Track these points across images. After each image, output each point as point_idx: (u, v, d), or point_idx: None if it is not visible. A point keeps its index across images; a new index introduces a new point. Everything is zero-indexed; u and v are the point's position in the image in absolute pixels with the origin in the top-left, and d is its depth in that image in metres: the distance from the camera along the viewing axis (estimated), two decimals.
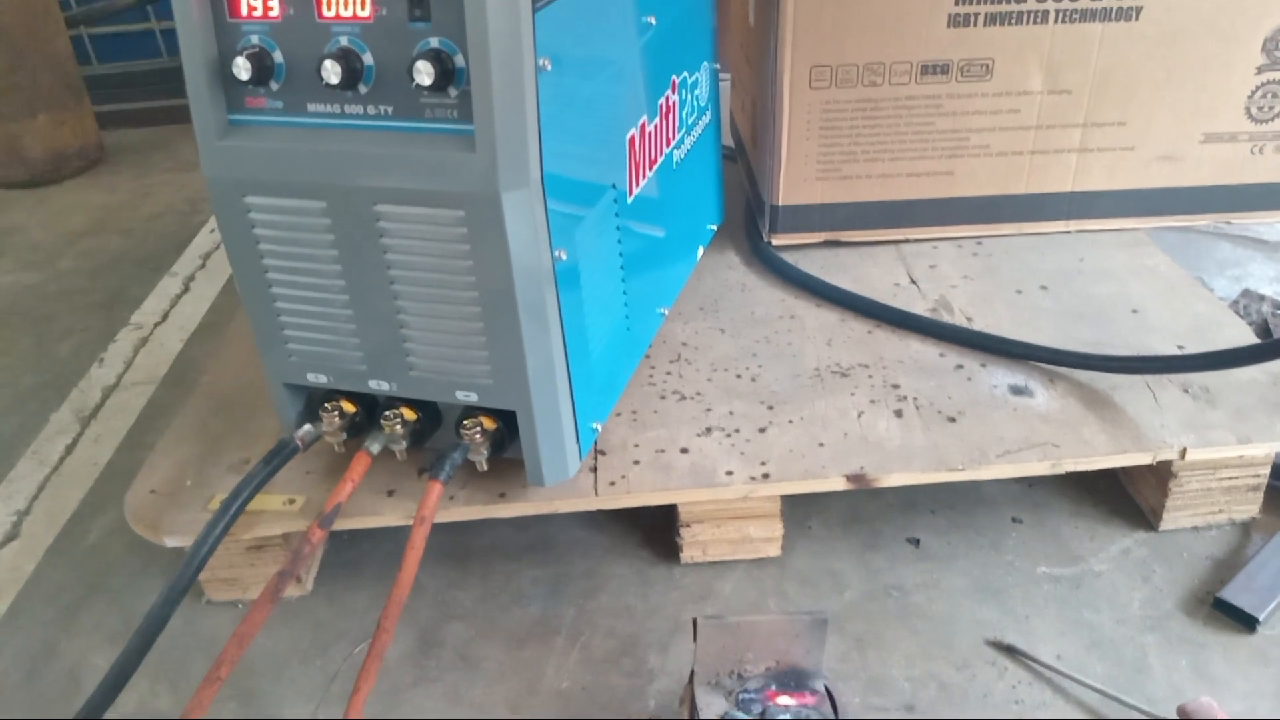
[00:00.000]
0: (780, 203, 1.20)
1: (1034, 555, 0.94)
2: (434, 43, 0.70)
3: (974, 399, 0.95)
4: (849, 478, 0.87)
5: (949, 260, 1.19)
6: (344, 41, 0.72)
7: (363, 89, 0.73)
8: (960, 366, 1.00)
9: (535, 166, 0.72)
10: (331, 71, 0.70)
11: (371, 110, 0.73)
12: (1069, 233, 1.22)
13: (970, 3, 1.08)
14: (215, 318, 1.46)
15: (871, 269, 1.18)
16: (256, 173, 0.76)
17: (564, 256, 0.77)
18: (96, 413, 1.27)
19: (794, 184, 1.19)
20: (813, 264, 1.19)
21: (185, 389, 1.28)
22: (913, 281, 1.15)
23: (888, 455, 0.89)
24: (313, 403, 0.89)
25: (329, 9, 0.71)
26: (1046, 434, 0.91)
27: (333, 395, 0.87)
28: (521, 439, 0.82)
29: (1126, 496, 0.98)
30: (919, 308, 1.09)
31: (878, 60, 1.11)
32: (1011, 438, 0.91)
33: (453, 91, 0.71)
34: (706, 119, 1.14)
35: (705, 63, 1.11)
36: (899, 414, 0.94)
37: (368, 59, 0.72)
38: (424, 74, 0.69)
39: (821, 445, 0.91)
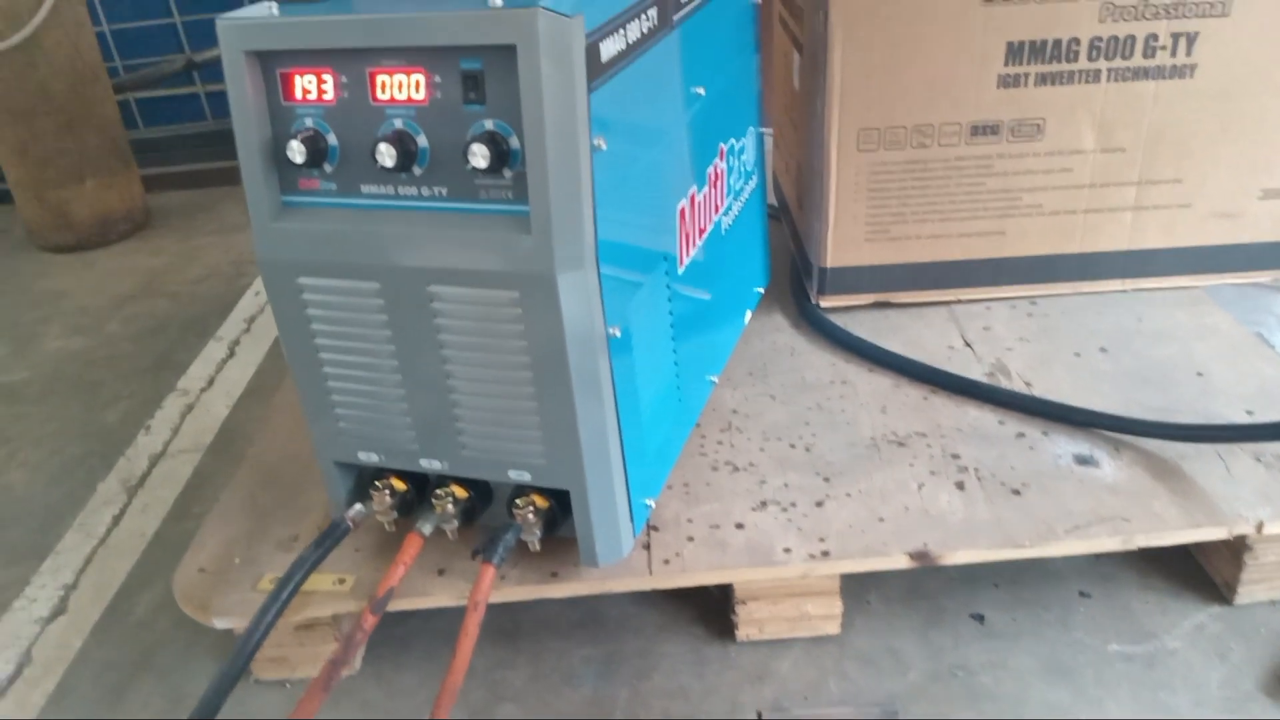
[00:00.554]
0: (828, 265, 1.18)
1: (1104, 632, 0.90)
2: (489, 125, 0.70)
3: (1038, 469, 0.93)
4: (912, 555, 0.85)
5: (1003, 321, 1.16)
6: (398, 124, 0.72)
7: (417, 170, 0.72)
8: (1022, 435, 0.98)
9: (590, 246, 0.71)
10: (386, 155, 0.70)
11: (426, 191, 0.73)
12: (1125, 291, 1.20)
13: (1020, 63, 1.07)
14: (260, 382, 1.46)
15: (923, 331, 1.16)
16: (310, 254, 0.76)
17: (618, 333, 0.76)
18: (143, 482, 1.27)
19: (842, 246, 1.17)
20: (863, 327, 1.17)
21: (231, 457, 1.28)
22: (967, 344, 1.13)
23: (951, 531, 0.87)
24: (363, 480, 0.88)
25: (383, 92, 0.71)
26: (1115, 507, 0.88)
27: (383, 473, 0.85)
28: (575, 519, 0.80)
29: (1198, 568, 0.94)
30: (975, 372, 1.07)
31: (926, 122, 1.09)
32: (1079, 511, 0.88)
33: (507, 173, 0.70)
34: (753, 183, 1.13)
35: (751, 127, 1.10)
36: (961, 486, 0.91)
37: (422, 141, 0.71)
38: (479, 157, 0.68)
39: (882, 520, 0.88)
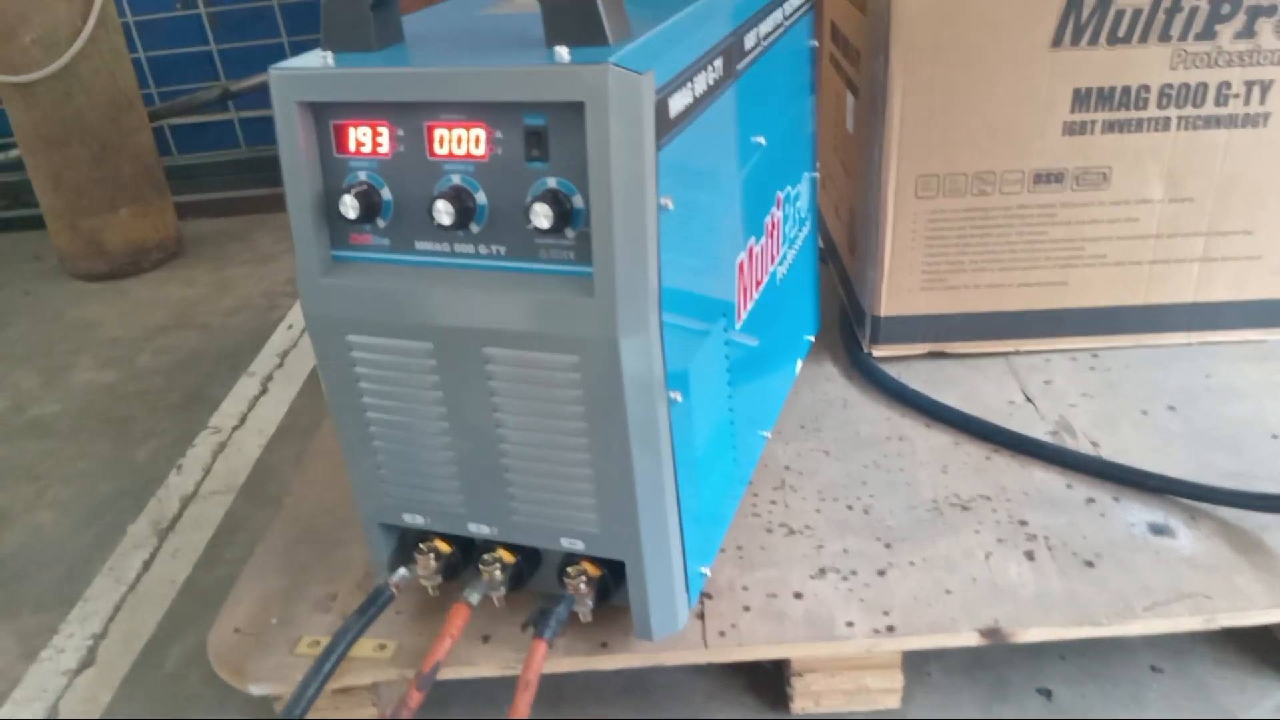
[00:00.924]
0: (882, 314, 1.15)
1: (1179, 710, 0.86)
2: (551, 183, 0.66)
3: (1111, 539, 0.88)
4: (983, 633, 0.80)
5: (1064, 375, 1.12)
6: (456, 180, 0.69)
7: (474, 228, 0.69)
8: (1092, 500, 0.93)
9: (654, 309, 0.67)
10: (444, 213, 0.67)
11: (483, 250, 0.70)
12: (1190, 345, 1.15)
13: (1087, 110, 1.03)
14: (293, 421, 1.43)
15: (981, 384, 1.12)
16: (361, 312, 0.73)
17: (678, 398, 0.72)
18: (174, 525, 1.24)
19: (897, 294, 1.13)
20: (917, 377, 1.13)
21: (264, 500, 1.25)
22: (1028, 399, 1.08)
23: (1022, 606, 0.82)
24: (406, 540, 0.84)
25: (441, 147, 0.68)
26: (1195, 583, 0.83)
27: (427, 534, 0.82)
28: (630, 591, 0.77)
29: (1276, 644, 0.90)
30: (1039, 430, 1.03)
31: (988, 169, 1.06)
32: (1157, 586, 0.83)
33: (570, 233, 0.67)
34: (806, 229, 1.09)
35: (806, 173, 1.07)
36: (1030, 556, 0.87)
37: (480, 198, 0.68)
38: (542, 217, 0.65)
39: (949, 592, 0.84)
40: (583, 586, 0.77)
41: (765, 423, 1.00)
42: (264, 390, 1.53)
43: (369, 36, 0.69)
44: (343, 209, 0.70)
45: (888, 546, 0.90)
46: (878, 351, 1.17)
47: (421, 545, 0.82)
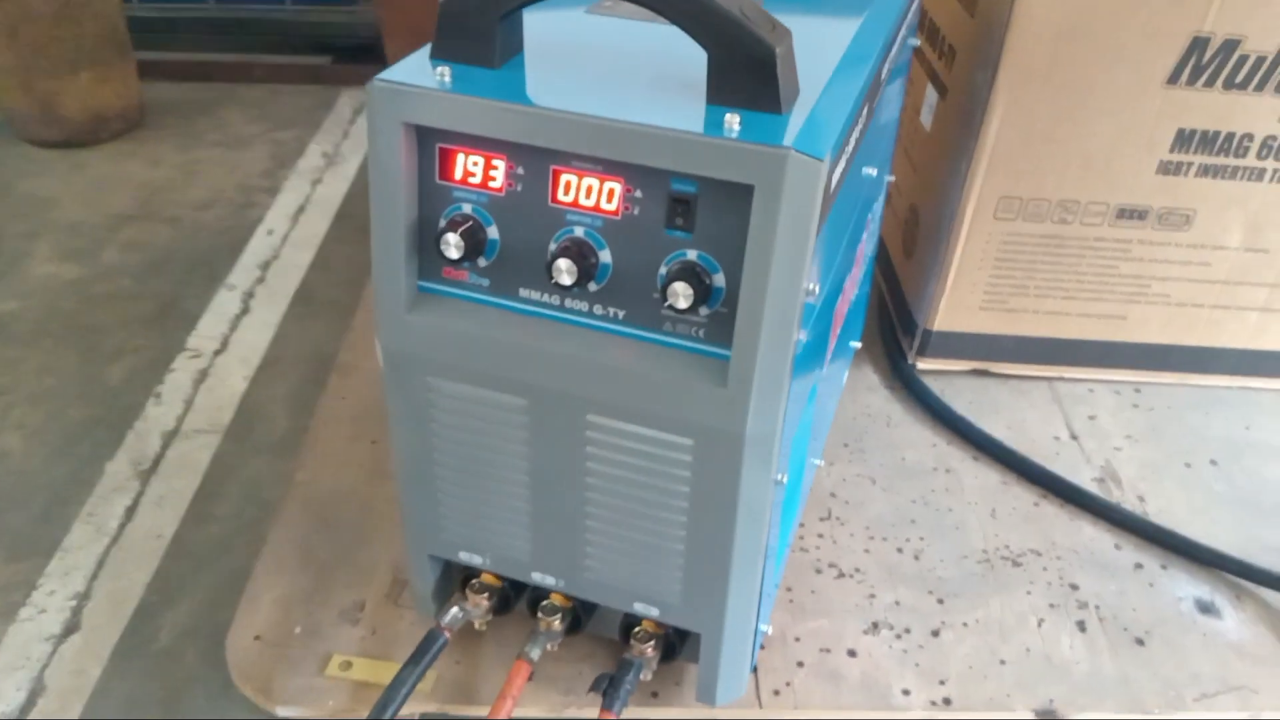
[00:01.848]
0: (935, 328, 1.10)
1: None
2: (691, 256, 0.59)
3: (1160, 615, 0.88)
4: (1038, 713, 0.80)
5: (1108, 411, 1.10)
6: (579, 233, 0.61)
7: (592, 286, 0.62)
8: (1140, 566, 0.92)
9: (783, 404, 0.62)
10: (565, 272, 0.59)
11: (599, 310, 0.63)
12: (1230, 388, 1.14)
13: (1186, 152, 0.98)
14: (280, 350, 1.34)
15: (1027, 413, 1.09)
16: (449, 355, 0.65)
17: (784, 479, 0.68)
18: (156, 466, 1.16)
19: (954, 311, 1.09)
20: (961, 397, 1.10)
21: (254, 445, 1.18)
22: (1073, 437, 1.06)
23: (1076, 686, 0.82)
24: (451, 569, 0.79)
25: (566, 194, 0.60)
26: (1241, 672, 0.84)
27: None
28: (701, 657, 0.73)
29: None
30: (1084, 474, 1.01)
31: (1073, 198, 1.00)
32: (1206, 675, 0.83)
33: (703, 310, 0.60)
34: (875, 240, 1.03)
35: (887, 178, 1.00)
36: (1082, 627, 0.86)
37: (605, 256, 0.61)
38: (681, 297, 0.58)
39: (1003, 663, 0.83)
40: (650, 651, 0.73)
41: (818, 451, 0.96)
42: (245, 309, 1.43)
43: (492, 52, 0.60)
44: (444, 247, 0.61)
45: (940, 602, 0.88)
46: (922, 364, 1.13)
47: (474, 582, 0.77)
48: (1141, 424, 1.09)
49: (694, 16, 0.55)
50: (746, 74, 0.56)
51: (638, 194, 0.59)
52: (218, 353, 1.33)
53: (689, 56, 0.62)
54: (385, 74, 0.59)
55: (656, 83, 0.60)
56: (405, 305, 0.65)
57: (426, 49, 0.63)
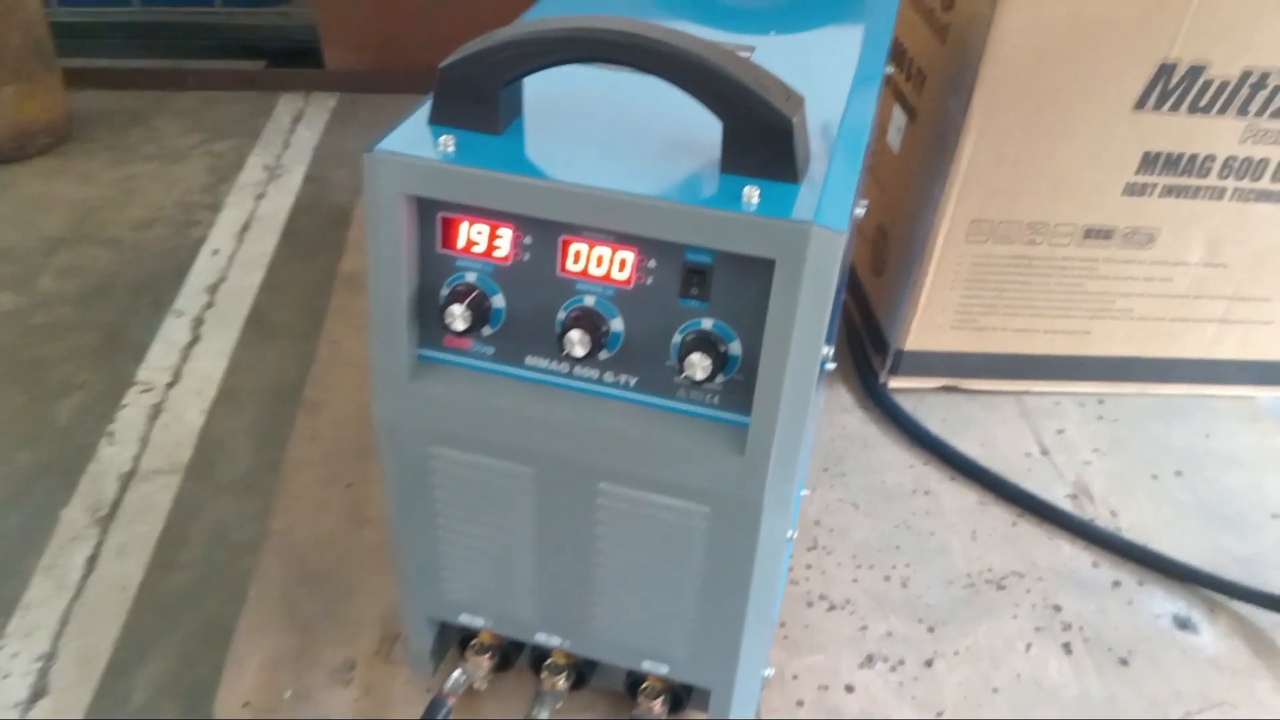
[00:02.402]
0: (906, 348, 1.11)
1: None
2: (706, 325, 0.58)
3: (1141, 632, 0.90)
4: None
5: (1075, 423, 1.12)
6: (589, 302, 0.59)
7: (603, 354, 0.61)
8: (1118, 583, 0.95)
9: (800, 469, 0.61)
10: (578, 343, 0.58)
11: (609, 377, 0.61)
12: (1188, 396, 1.17)
13: (1151, 174, 1.00)
14: (236, 380, 1.30)
15: (997, 430, 1.11)
16: (452, 425, 0.64)
17: (794, 535, 0.67)
18: (115, 512, 1.12)
19: (925, 330, 1.10)
20: (933, 414, 1.11)
21: (215, 486, 1.14)
22: (1044, 452, 1.08)
23: (1066, 709, 0.83)
24: (448, 630, 0.78)
25: (575, 263, 0.59)
26: (1220, 688, 0.86)
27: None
28: (710, 712, 0.73)
29: None
30: (1058, 490, 1.03)
31: (1043, 220, 1.02)
32: (1188, 692, 0.86)
33: (719, 378, 0.60)
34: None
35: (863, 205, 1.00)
36: (1068, 649, 0.88)
37: (616, 325, 0.60)
38: (699, 369, 0.57)
39: (995, 691, 0.84)
40: (659, 708, 0.73)
41: (804, 480, 0.96)
42: (195, 336, 1.38)
43: (496, 118, 0.58)
44: (449, 319, 0.60)
45: (931, 630, 0.89)
46: (894, 383, 1.14)
47: (475, 643, 0.75)
48: (1107, 436, 1.12)
49: (710, 89, 0.54)
50: (762, 145, 0.55)
51: (651, 264, 0.58)
52: (170, 385, 1.28)
53: (697, 118, 0.61)
54: (384, 143, 0.57)
55: (667, 148, 0.59)
56: (406, 374, 0.63)
57: (422, 112, 0.60)
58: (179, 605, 0.98)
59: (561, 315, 0.60)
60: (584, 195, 0.55)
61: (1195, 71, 0.94)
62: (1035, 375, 1.15)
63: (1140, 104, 0.96)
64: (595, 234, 0.58)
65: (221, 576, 1.01)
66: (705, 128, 0.59)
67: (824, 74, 0.71)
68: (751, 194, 0.54)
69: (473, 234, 0.60)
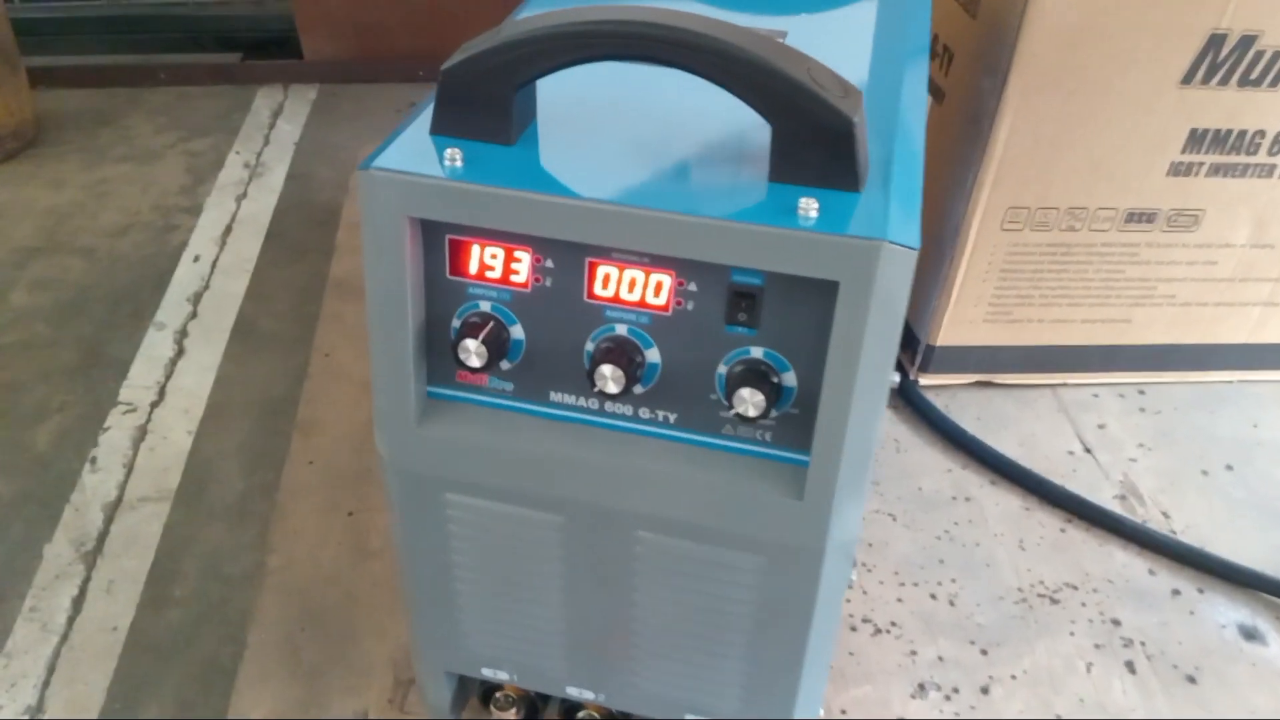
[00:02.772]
0: (938, 343, 1.05)
1: None
2: (756, 354, 0.52)
3: (1205, 645, 0.84)
4: None
5: (1116, 417, 1.06)
6: (621, 331, 0.53)
7: (638, 388, 0.54)
8: (1177, 592, 0.89)
9: (862, 508, 0.55)
10: (611, 379, 0.51)
11: (646, 414, 0.55)
12: (1230, 383, 1.11)
13: (1198, 152, 0.93)
14: (225, 396, 1.22)
15: (1036, 427, 1.04)
16: (468, 470, 0.57)
17: (856, 577, 0.61)
18: (101, 545, 1.05)
19: (957, 325, 1.03)
20: (966, 413, 1.05)
21: (208, 514, 1.07)
22: (1087, 450, 1.02)
23: None
24: (467, 680, 0.71)
25: (604, 288, 0.52)
26: None
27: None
28: None
29: None
30: (1105, 492, 0.97)
31: (1082, 205, 0.95)
32: (1264, 708, 0.80)
33: (773, 413, 0.53)
34: None
35: None
36: (1131, 668, 0.82)
37: (652, 355, 0.53)
38: (749, 404, 0.50)
39: (1059, 718, 0.78)
40: None
41: None
42: (179, 350, 1.30)
43: (508, 126, 0.51)
44: (462, 354, 0.53)
45: (984, 653, 0.83)
46: (925, 380, 1.08)
47: (498, 696, 0.69)
48: (1151, 429, 1.05)
49: (758, 86, 0.47)
50: (819, 149, 0.48)
51: (692, 287, 0.51)
52: (155, 404, 1.21)
53: (733, 116, 0.54)
54: (382, 158, 0.50)
55: (705, 155, 0.52)
56: (414, 416, 0.56)
57: (422, 120, 0.53)
58: (173, 646, 0.91)
59: (590, 346, 0.53)
60: (615, 214, 0.48)
61: (1247, 42, 0.87)
62: (1072, 367, 1.08)
63: (1187, 78, 0.89)
64: (627, 256, 0.51)
65: (217, 613, 0.95)
66: (748, 130, 0.53)
67: (868, 60, 0.64)
68: (809, 207, 0.47)
69: (486, 258, 0.53)
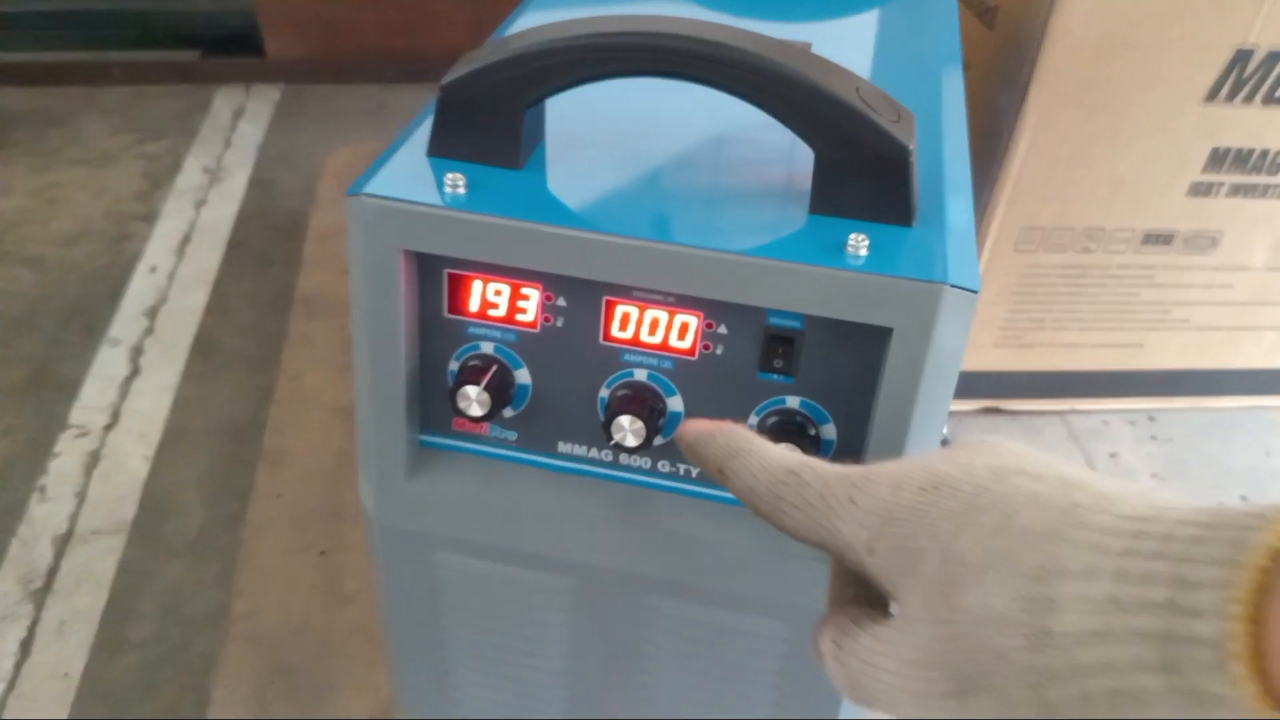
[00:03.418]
0: None
1: None
2: (791, 403, 0.46)
3: None
4: None
5: (1128, 445, 1.02)
6: (640, 377, 0.47)
7: (657, 439, 0.48)
8: None
9: None
10: (630, 432, 0.46)
11: (665, 467, 0.49)
12: (1242, 409, 1.08)
13: (1219, 171, 0.89)
14: (183, 419, 1.15)
15: None
16: (466, 529, 0.51)
17: None
18: (51, 583, 0.97)
19: (966, 350, 0.98)
20: None
21: (166, 549, 1.00)
22: None
23: None
24: None
25: (623, 329, 0.46)
26: None
27: None
28: None
29: None
30: None
31: (1098, 225, 0.91)
32: None
33: None
34: None
35: None
36: None
37: (675, 404, 0.47)
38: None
39: None
40: None
41: None
42: (135, 369, 1.22)
43: (515, 149, 0.45)
44: (461, 402, 0.47)
45: None
46: None
47: None
48: (1164, 458, 1.02)
49: (801, 107, 0.41)
50: (869, 179, 0.42)
51: (721, 330, 0.45)
52: (108, 428, 1.13)
53: (768, 139, 0.48)
54: (374, 184, 0.44)
55: (734, 182, 0.47)
56: (405, 468, 0.50)
57: (416, 141, 0.47)
58: (130, 694, 0.84)
59: (604, 393, 0.47)
60: (637, 250, 0.42)
61: (1274, 58, 0.83)
62: (1082, 393, 1.04)
63: (1211, 95, 0.85)
64: (649, 295, 0.45)
65: (178, 658, 0.88)
66: (786, 155, 0.47)
67: (900, 74, 0.59)
68: (858, 244, 0.41)
69: (489, 295, 0.47)
